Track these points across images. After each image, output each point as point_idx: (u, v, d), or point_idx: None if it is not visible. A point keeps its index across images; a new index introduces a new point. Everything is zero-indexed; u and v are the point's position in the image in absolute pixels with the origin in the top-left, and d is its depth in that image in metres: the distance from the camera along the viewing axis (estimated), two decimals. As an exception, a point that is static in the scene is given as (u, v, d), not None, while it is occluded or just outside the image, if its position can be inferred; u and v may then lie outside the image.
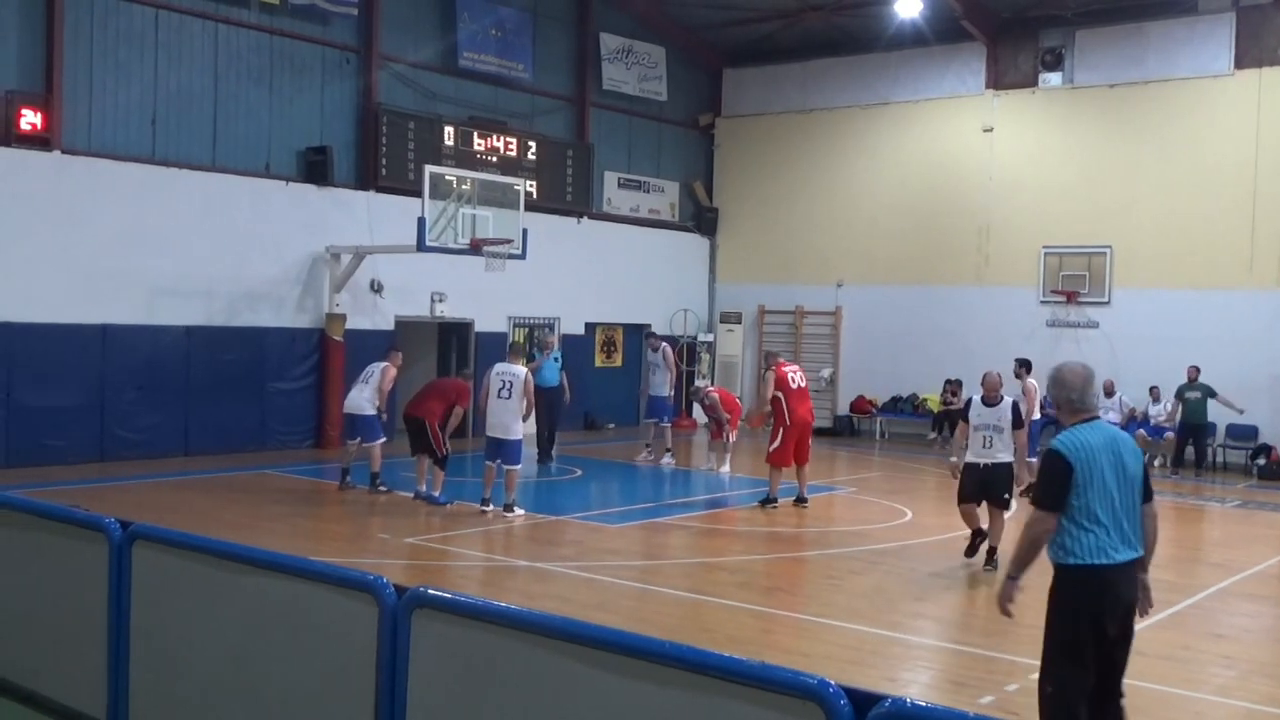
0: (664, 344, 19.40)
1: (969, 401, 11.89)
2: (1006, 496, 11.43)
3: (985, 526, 11.54)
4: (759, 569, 11.63)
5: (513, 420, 13.30)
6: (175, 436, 17.79)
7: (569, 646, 4.18)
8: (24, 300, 16.19)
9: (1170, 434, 20.38)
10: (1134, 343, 21.55)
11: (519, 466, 13.65)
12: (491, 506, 13.51)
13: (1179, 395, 20.04)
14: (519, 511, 13.44)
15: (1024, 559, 5.69)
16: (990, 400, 11.56)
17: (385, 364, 14.90)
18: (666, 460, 18.61)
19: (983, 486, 11.40)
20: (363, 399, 14.66)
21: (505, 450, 13.39)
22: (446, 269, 20.23)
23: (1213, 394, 19.66)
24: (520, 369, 13.61)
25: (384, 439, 14.87)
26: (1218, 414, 20.35)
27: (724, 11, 24.78)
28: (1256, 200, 20.53)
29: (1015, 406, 11.56)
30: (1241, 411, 19.92)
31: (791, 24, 24.85)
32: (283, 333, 19.17)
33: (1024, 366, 16.86)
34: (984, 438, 11.40)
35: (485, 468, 13.68)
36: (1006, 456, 11.40)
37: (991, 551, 11.46)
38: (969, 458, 11.51)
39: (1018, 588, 5.78)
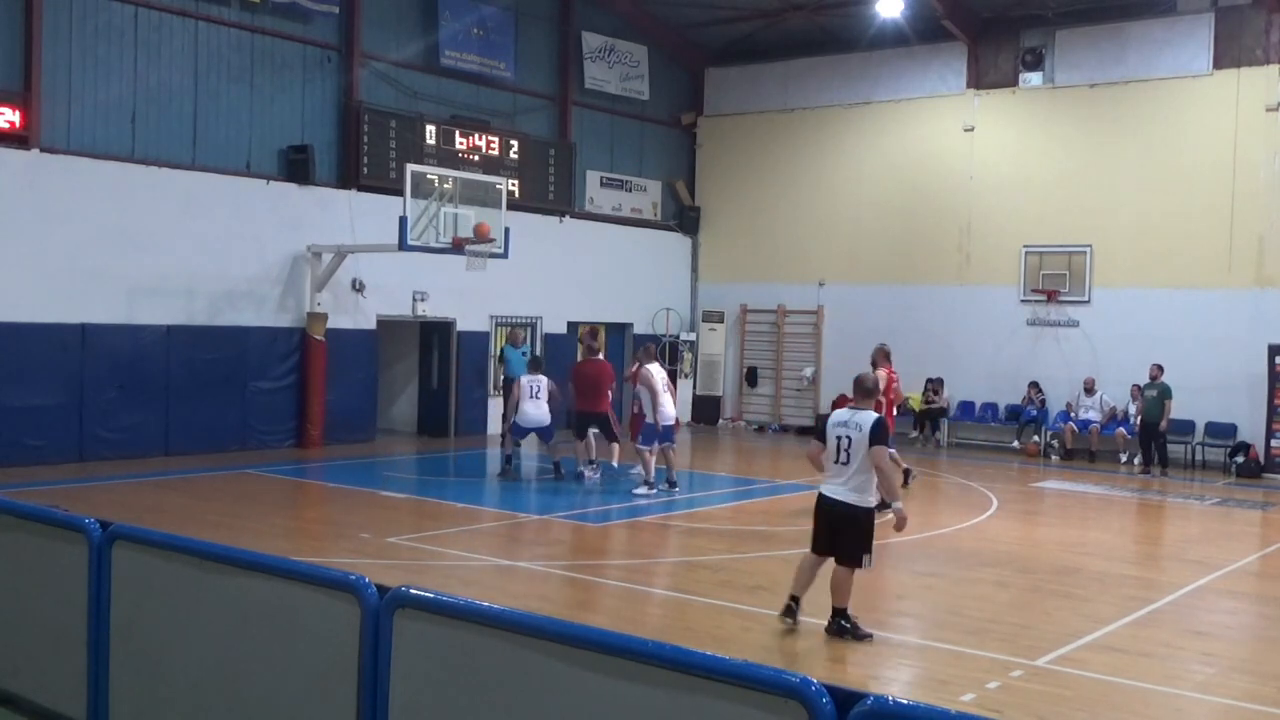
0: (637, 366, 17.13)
1: (826, 416, 9.21)
2: (867, 557, 8.66)
3: (800, 593, 8.89)
4: (741, 568, 11.63)
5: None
6: (156, 436, 17.70)
7: (552, 646, 4.17)
8: (2, 300, 16.08)
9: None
10: (1114, 342, 21.66)
11: (644, 446, 15.59)
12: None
13: (1142, 394, 20.17)
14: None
15: None
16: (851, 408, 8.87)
17: (548, 380, 16.64)
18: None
19: (832, 534, 8.76)
20: (544, 413, 16.44)
21: (651, 431, 15.60)
22: (428, 268, 20.20)
23: (1169, 395, 19.65)
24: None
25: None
26: (1197, 412, 20.48)
27: (706, 11, 24.80)
28: (1235, 200, 20.63)
29: (877, 421, 8.66)
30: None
31: (773, 23, 24.88)
32: (264, 332, 19.10)
33: (884, 355, 15.85)
34: (842, 453, 8.68)
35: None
36: (871, 499, 8.70)
37: (840, 613, 8.69)
38: (821, 486, 8.91)
39: None
